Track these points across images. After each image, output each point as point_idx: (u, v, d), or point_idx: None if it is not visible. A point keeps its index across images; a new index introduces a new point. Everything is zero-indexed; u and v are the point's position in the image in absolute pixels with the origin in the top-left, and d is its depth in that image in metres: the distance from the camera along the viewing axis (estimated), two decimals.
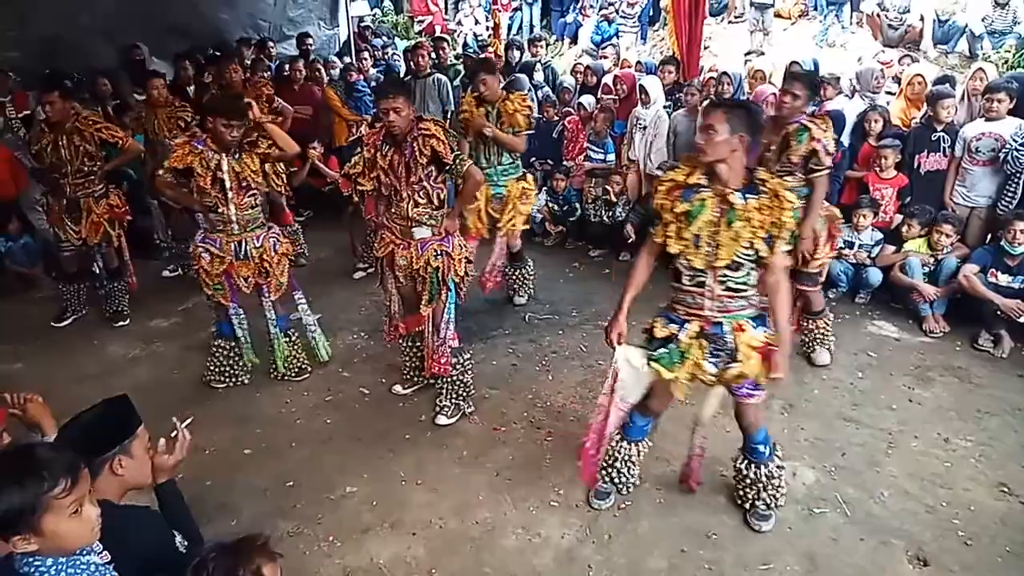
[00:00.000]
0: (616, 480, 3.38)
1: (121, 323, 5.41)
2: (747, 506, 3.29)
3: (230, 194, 4.06)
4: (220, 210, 4.10)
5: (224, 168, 4.01)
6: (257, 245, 4.21)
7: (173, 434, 2.39)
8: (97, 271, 5.50)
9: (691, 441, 3.37)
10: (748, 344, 2.90)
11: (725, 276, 2.87)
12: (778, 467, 3.24)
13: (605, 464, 3.36)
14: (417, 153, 3.65)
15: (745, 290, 2.91)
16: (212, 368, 4.47)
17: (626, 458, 3.33)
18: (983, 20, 8.84)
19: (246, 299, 4.39)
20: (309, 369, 4.61)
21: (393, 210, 3.86)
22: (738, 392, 3.03)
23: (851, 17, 10.15)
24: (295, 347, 4.56)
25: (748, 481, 3.24)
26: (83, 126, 4.92)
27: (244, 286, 4.24)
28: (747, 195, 2.78)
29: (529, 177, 5.24)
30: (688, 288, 2.94)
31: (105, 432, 2.12)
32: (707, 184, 2.84)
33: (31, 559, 1.64)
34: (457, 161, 3.71)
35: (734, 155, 2.76)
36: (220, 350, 4.44)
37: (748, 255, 2.83)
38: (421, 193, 3.75)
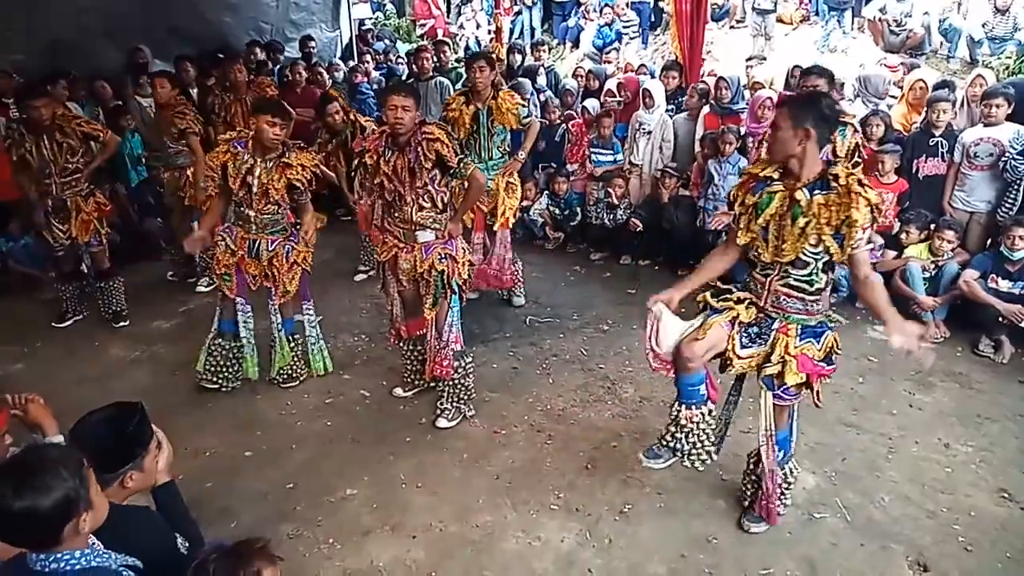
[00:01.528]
0: (674, 446, 3.23)
1: (122, 324, 5.40)
2: (746, 504, 3.29)
3: (254, 199, 4.08)
4: (242, 208, 4.14)
5: (255, 174, 4.03)
6: (269, 248, 4.20)
7: None
8: (86, 270, 5.48)
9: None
10: (787, 350, 2.88)
11: (787, 272, 2.85)
12: (789, 474, 3.22)
13: (666, 424, 3.27)
14: (422, 157, 3.66)
15: (806, 291, 2.86)
16: (208, 367, 4.39)
17: (681, 423, 3.17)
18: (983, 26, 8.85)
19: (255, 299, 4.40)
20: (302, 379, 4.57)
21: (396, 214, 3.87)
22: (771, 391, 3.02)
23: (852, 23, 10.16)
24: (295, 354, 4.52)
25: (755, 478, 3.23)
26: (63, 123, 4.92)
27: (251, 283, 4.26)
28: (815, 191, 2.73)
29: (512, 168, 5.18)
30: (755, 276, 2.98)
31: (119, 447, 2.12)
32: (779, 178, 2.83)
33: (59, 555, 1.68)
34: (461, 164, 3.73)
35: (802, 149, 2.72)
36: (219, 348, 4.39)
37: (815, 253, 2.77)
38: (425, 197, 3.75)
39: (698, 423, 3.18)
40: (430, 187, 3.74)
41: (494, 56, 6.11)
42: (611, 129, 6.54)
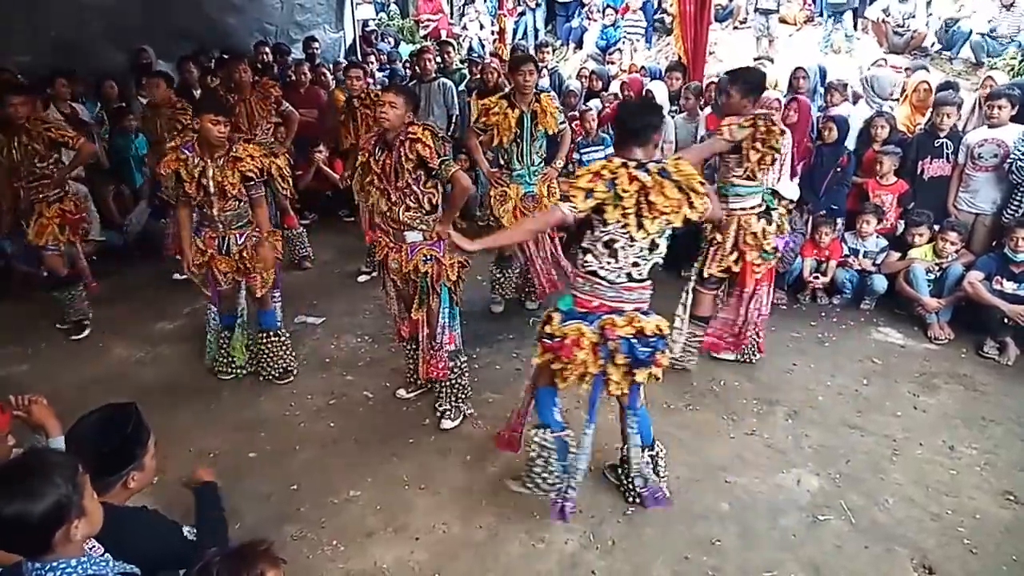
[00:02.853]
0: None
1: (78, 336, 5.24)
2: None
3: (213, 199, 4.13)
4: (204, 210, 4.20)
5: (208, 175, 4.07)
6: (239, 242, 4.26)
7: None
8: (45, 275, 5.30)
9: None
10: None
11: None
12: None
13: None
14: (403, 157, 3.67)
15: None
16: (219, 359, 4.55)
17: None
18: (989, 22, 8.83)
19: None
20: (295, 371, 4.64)
21: (387, 214, 3.88)
22: None
23: (855, 24, 10.14)
24: (285, 347, 4.60)
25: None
26: (31, 126, 4.80)
27: (223, 280, 4.30)
28: None
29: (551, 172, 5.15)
30: None
31: (120, 449, 2.13)
32: None
33: (54, 563, 1.67)
34: (443, 165, 3.69)
35: None
36: (225, 341, 4.53)
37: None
38: (412, 197, 3.75)
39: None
40: (415, 188, 3.73)
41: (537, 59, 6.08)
42: (595, 124, 6.52)
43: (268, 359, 4.54)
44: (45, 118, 5.00)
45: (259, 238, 4.31)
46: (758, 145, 4.07)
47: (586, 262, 2.98)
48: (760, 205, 4.24)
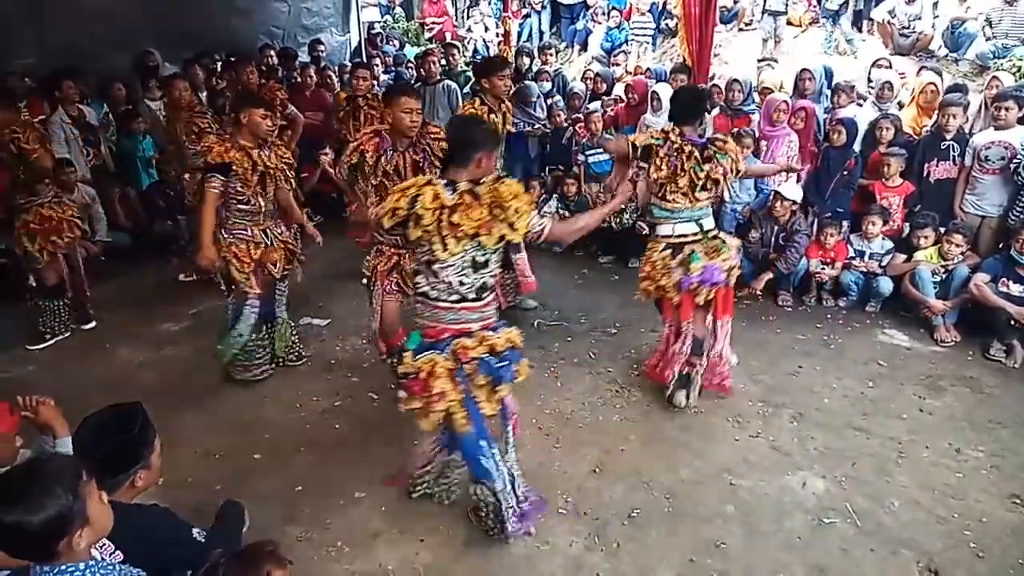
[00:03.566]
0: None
1: (33, 346, 5.16)
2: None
3: (267, 186, 4.27)
4: (251, 202, 4.24)
5: (262, 162, 4.20)
6: (280, 233, 4.44)
7: None
8: (33, 284, 5.29)
9: None
10: None
11: None
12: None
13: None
14: (429, 155, 3.78)
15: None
16: (239, 361, 4.53)
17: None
18: (988, 22, 8.79)
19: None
20: (308, 354, 4.85)
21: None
22: None
23: (860, 26, 10.10)
24: (295, 334, 4.82)
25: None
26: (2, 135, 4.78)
27: (275, 271, 4.42)
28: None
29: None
30: None
31: (127, 450, 2.14)
32: None
33: (62, 567, 1.67)
34: None
35: None
36: (254, 343, 4.55)
37: None
38: None
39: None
40: None
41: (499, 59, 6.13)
42: (600, 126, 6.52)
43: (289, 346, 4.75)
44: (16, 126, 4.90)
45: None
46: (661, 164, 3.94)
47: (417, 283, 2.92)
48: (688, 235, 4.05)
